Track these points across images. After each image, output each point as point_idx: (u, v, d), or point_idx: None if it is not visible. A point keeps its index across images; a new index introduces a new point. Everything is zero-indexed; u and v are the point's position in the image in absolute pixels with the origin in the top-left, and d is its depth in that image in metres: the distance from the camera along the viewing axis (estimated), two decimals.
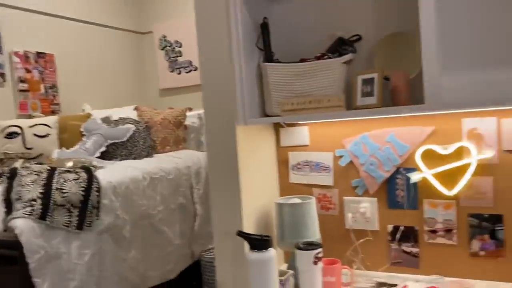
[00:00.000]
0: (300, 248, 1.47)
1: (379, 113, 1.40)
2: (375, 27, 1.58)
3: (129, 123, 3.15)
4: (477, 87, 1.41)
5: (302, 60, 1.59)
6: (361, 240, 1.68)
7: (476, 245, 1.53)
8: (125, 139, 3.02)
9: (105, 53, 4.05)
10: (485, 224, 1.51)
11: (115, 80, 4.15)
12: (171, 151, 3.44)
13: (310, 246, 1.47)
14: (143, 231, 2.55)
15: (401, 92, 1.45)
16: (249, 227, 1.55)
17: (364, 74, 1.48)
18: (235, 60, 1.51)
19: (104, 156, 2.98)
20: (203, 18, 1.54)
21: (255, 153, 1.65)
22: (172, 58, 4.11)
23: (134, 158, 2.98)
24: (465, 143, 1.51)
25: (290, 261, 1.64)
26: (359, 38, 1.60)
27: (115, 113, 3.43)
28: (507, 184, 1.48)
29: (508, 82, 1.39)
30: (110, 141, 3.00)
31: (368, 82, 1.46)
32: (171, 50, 4.11)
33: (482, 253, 1.52)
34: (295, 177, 1.81)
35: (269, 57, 1.61)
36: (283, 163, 1.83)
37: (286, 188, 1.82)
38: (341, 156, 1.71)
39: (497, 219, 1.50)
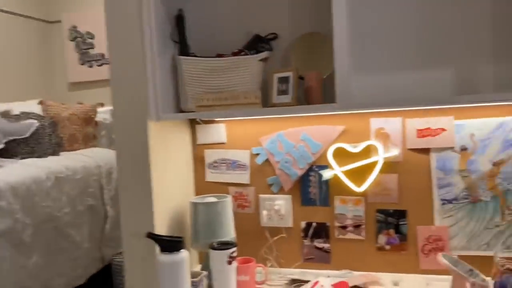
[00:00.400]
0: (214, 248, 1.43)
1: (293, 111, 1.41)
2: (291, 26, 1.60)
3: (32, 118, 2.89)
4: (385, 89, 1.48)
5: (219, 56, 1.56)
6: (275, 238, 1.69)
7: (382, 239, 1.61)
8: (27, 135, 2.77)
9: (7, 42, 3.69)
10: (390, 220, 1.60)
11: (18, 72, 3.80)
12: (80, 149, 3.23)
13: (224, 245, 1.44)
14: (46, 235, 2.36)
15: (315, 91, 1.47)
16: (161, 228, 1.48)
17: (280, 72, 1.48)
18: (147, 52, 1.43)
19: (2, 154, 2.70)
20: (113, 8, 1.44)
21: (169, 150, 1.59)
22: (83, 50, 3.87)
23: (38, 157, 2.74)
24: (373, 141, 1.58)
25: (204, 261, 1.60)
26: (276, 37, 1.60)
27: (17, 107, 3.14)
28: (410, 181, 1.57)
29: (413, 84, 1.48)
30: (9, 138, 2.73)
31: (284, 80, 1.47)
32: (82, 41, 3.86)
33: (387, 247, 1.60)
34: (211, 176, 1.77)
35: (184, 50, 1.55)
36: (199, 161, 1.78)
37: (202, 187, 1.78)
38: (257, 154, 1.71)
39: (401, 214, 1.58)
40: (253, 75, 1.51)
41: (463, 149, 1.51)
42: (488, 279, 1.30)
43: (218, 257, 1.43)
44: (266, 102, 1.49)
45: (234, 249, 1.43)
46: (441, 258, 1.33)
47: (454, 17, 1.44)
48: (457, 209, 1.53)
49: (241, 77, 1.51)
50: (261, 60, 1.52)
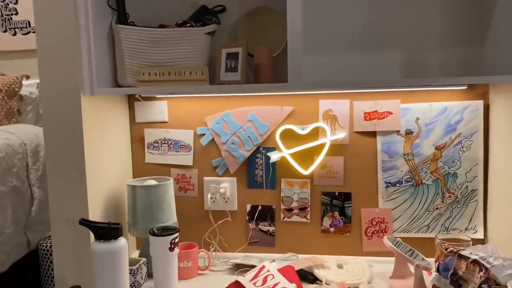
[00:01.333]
0: (154, 234, 1.34)
1: (243, 90, 1.34)
2: None
3: None
4: (335, 70, 1.45)
5: (161, 26, 1.43)
6: (220, 222, 1.62)
7: (327, 222, 1.60)
8: None
9: None
10: (335, 202, 1.59)
11: None
12: (1, 125, 2.93)
13: (166, 231, 1.35)
14: None
15: (264, 69, 1.40)
16: (96, 213, 1.36)
17: (228, 47, 1.39)
18: (81, 19, 1.28)
19: None
20: None
21: (105, 129, 1.45)
22: (5, 16, 3.49)
23: None
24: (321, 123, 1.55)
25: (143, 248, 1.51)
26: (223, 9, 1.51)
27: None
28: (356, 164, 1.56)
29: (363, 66, 1.45)
30: None
31: (233, 56, 1.38)
32: (4, 6, 3.48)
33: (332, 229, 1.60)
34: (151, 157, 1.66)
35: (123, 18, 1.41)
36: (138, 141, 1.66)
37: (141, 168, 1.66)
38: (202, 135, 1.62)
39: (346, 197, 1.58)
40: (199, 50, 1.41)
41: (408, 132, 1.52)
42: (430, 260, 1.33)
43: (158, 244, 1.33)
44: (212, 80, 1.40)
45: (176, 235, 1.35)
46: (386, 240, 1.34)
47: (404, 2, 1.43)
48: (400, 192, 1.55)
49: (185, 51, 1.40)
50: (208, 33, 1.42)
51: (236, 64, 1.37)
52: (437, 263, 1.19)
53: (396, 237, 1.39)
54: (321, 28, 1.45)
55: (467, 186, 1.50)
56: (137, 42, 1.38)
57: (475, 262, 1.08)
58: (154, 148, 1.65)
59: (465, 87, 1.41)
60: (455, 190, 1.51)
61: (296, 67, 1.25)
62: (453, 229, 1.53)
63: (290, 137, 1.56)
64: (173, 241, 1.34)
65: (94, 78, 1.31)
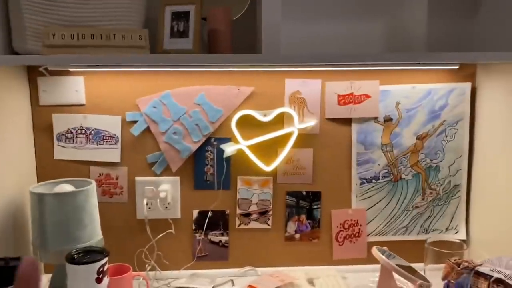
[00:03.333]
0: (73, 261, 0.96)
1: (197, 61, 0.98)
2: None
3: None
4: (313, 41, 1.16)
5: None
6: (161, 235, 1.27)
7: (292, 227, 1.32)
8: None
9: None
10: (302, 203, 1.32)
11: None
12: None
13: (90, 256, 0.98)
14: None
15: (222, 36, 1.07)
16: None
17: (174, 5, 1.03)
18: None
19: None
20: None
21: None
22: None
23: None
24: (287, 109, 1.26)
25: (55, 278, 1.10)
26: None
27: None
28: (327, 157, 1.30)
29: (342, 38, 1.19)
30: None
31: (181, 17, 1.03)
32: None
33: (297, 236, 1.33)
34: (63, 152, 1.24)
35: None
36: (43, 131, 1.23)
37: (49, 168, 1.24)
38: (133, 122, 1.24)
39: (315, 196, 1.32)
40: (132, 6, 1.03)
41: (387, 119, 1.29)
42: (417, 265, 1.13)
43: (80, 274, 0.96)
44: (152, 48, 1.03)
45: (104, 260, 0.98)
46: (376, 253, 1.10)
47: None
48: (376, 189, 1.32)
49: (113, 7, 1.01)
50: None
51: (186, 27, 1.02)
52: (447, 281, 0.97)
53: (385, 248, 1.15)
54: None
55: (450, 180, 1.32)
56: None
57: (500, 281, 0.88)
58: (67, 140, 1.24)
59: (457, 67, 1.21)
60: (437, 185, 1.32)
61: (273, 36, 0.94)
62: (433, 230, 1.35)
63: (249, 125, 1.25)
64: (101, 269, 0.98)
65: None
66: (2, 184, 1.05)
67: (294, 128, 1.26)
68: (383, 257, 1.07)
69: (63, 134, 1.23)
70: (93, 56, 0.93)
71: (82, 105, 1.23)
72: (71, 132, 1.24)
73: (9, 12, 0.99)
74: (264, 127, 1.26)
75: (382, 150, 1.30)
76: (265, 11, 0.94)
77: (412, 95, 1.28)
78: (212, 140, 1.26)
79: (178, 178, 1.27)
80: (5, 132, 1.07)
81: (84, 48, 0.94)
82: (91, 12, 1.00)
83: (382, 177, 1.32)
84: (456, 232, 1.34)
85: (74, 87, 1.22)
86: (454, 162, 1.31)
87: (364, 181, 1.32)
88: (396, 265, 1.05)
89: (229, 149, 1.25)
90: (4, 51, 1.00)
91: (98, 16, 1.01)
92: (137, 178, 1.27)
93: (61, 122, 1.23)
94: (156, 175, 1.27)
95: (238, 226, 1.31)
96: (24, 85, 1.19)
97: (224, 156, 1.25)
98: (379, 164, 1.31)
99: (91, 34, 0.94)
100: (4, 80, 1.07)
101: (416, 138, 1.30)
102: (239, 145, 1.25)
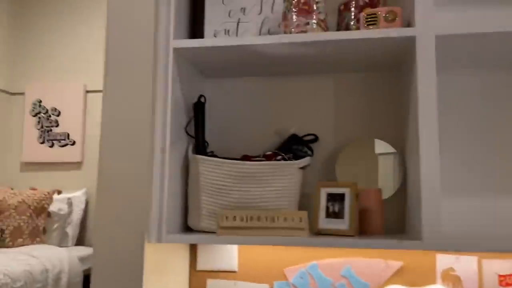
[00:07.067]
0: None
1: (354, 245, 1.01)
2: (336, 126, 1.27)
3: None
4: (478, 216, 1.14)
5: (245, 158, 1.18)
6: None
7: None
8: None
9: None
10: None
11: None
12: (24, 245, 2.64)
13: None
14: None
15: (374, 216, 1.11)
16: None
17: (329, 186, 1.11)
18: (156, 148, 1.03)
19: None
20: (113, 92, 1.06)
21: (162, 279, 1.12)
22: (46, 128, 3.39)
23: None
24: (439, 287, 1.19)
25: None
26: (316, 139, 1.26)
27: None
28: None
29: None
30: None
31: (336, 198, 1.09)
32: (45, 118, 3.40)
33: None
34: None
35: (201, 147, 1.16)
36: None
37: None
38: None
39: None
40: (291, 188, 1.13)
41: None
42: None
43: None
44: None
45: None
46: None
47: None
48: None
49: (275, 190, 1.12)
50: (301, 168, 1.16)
51: (340, 208, 1.08)
52: None
53: None
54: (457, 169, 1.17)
55: None
56: (218, 177, 1.11)
57: None
58: None
59: None
60: None
61: (432, 219, 0.94)
62: None
63: None
64: None
65: (164, 222, 1.02)
66: None
67: None
68: None
69: None
70: (260, 237, 1.02)
71: (234, 271, 1.30)
72: None
73: (188, 194, 1.15)
74: None
75: None
76: (424, 191, 0.96)
77: None
78: None
79: None
80: None
81: (250, 230, 1.04)
82: (255, 194, 1.11)
83: None
84: None
85: (228, 255, 1.31)
86: None
87: None
88: None
89: None
90: (180, 227, 1.14)
91: (261, 199, 1.11)
92: None
93: (214, 287, 1.30)
94: None
95: None
96: (186, 250, 1.32)
97: None
98: None
99: (257, 216, 1.04)
100: (175, 246, 1.20)
101: None
102: None
